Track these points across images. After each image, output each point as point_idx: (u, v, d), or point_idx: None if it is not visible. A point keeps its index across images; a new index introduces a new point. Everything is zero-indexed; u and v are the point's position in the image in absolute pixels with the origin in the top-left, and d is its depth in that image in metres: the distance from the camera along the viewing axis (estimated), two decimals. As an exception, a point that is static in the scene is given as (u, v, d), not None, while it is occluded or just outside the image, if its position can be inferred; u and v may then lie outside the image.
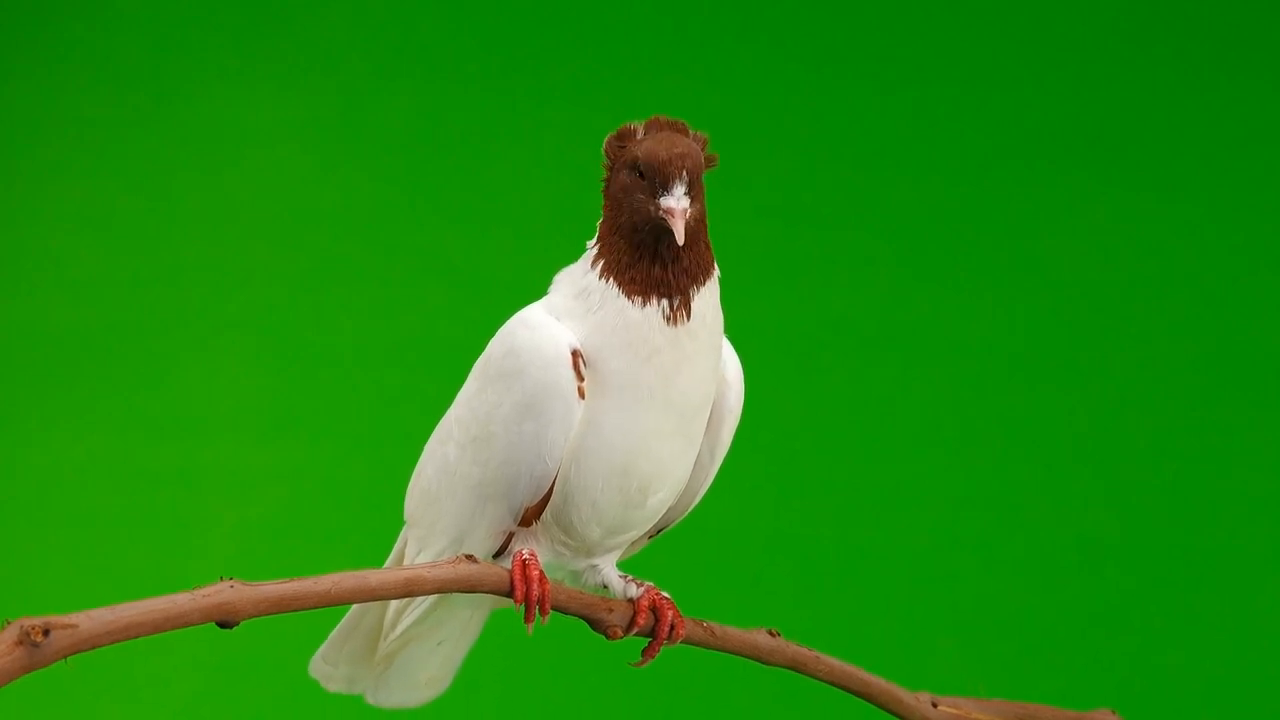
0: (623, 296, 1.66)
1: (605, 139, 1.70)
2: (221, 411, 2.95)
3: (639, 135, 1.69)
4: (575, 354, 1.66)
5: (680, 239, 1.63)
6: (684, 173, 1.64)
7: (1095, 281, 3.03)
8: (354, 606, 1.88)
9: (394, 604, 1.83)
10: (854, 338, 3.01)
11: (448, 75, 3.08)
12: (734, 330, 1.79)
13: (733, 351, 1.78)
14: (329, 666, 1.91)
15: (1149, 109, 3.07)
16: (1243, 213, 3.03)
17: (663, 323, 1.66)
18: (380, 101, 3.07)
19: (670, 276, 1.66)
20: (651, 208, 1.65)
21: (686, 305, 1.66)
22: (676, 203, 1.64)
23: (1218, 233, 3.03)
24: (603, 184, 1.70)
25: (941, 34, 3.10)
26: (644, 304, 1.66)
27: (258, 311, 3.00)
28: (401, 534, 1.85)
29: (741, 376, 1.77)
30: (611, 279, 1.67)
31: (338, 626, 1.89)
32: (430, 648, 1.89)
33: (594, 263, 1.68)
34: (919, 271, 3.03)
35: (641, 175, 1.65)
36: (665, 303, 1.66)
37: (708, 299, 1.68)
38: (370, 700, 1.93)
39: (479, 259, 3.00)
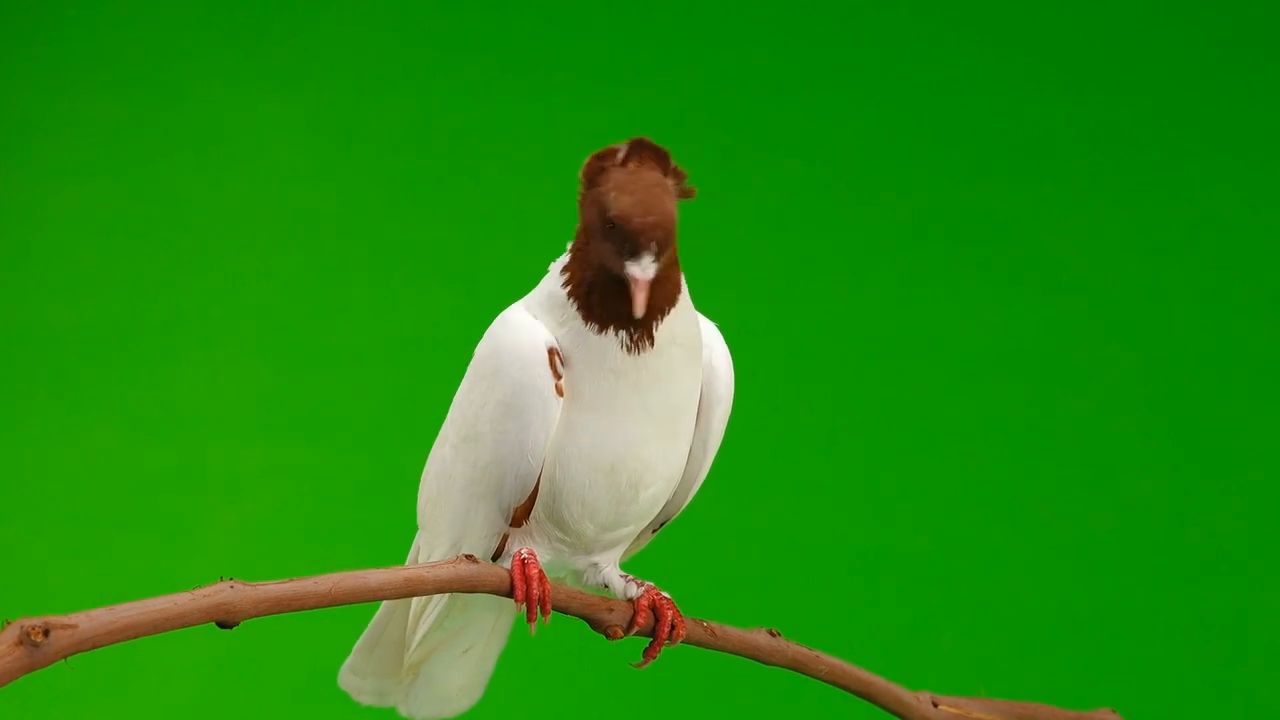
0: (580, 316, 1.65)
1: (586, 160, 1.66)
2: (221, 411, 2.95)
3: (619, 158, 1.64)
4: (552, 352, 1.66)
5: (639, 311, 1.60)
6: (653, 244, 1.60)
7: (1096, 281, 3.02)
8: (376, 615, 1.87)
9: (412, 612, 1.82)
10: (854, 338, 3.01)
11: (447, 76, 3.08)
12: (733, 330, 1.78)
13: (721, 339, 1.76)
14: (358, 679, 1.90)
15: (1149, 110, 3.07)
16: (1243, 213, 3.03)
17: (622, 351, 1.65)
18: (380, 102, 3.07)
19: (626, 312, 1.62)
20: (617, 265, 1.62)
21: (648, 335, 1.65)
22: (641, 273, 1.60)
23: (1218, 233, 3.03)
24: (578, 197, 1.67)
25: (942, 34, 3.09)
26: (601, 331, 1.64)
27: (258, 311, 3.00)
28: (415, 541, 1.85)
29: (730, 365, 1.76)
30: (574, 299, 1.65)
31: (362, 636, 1.88)
32: (456, 655, 1.87)
33: (563, 271, 1.67)
34: (919, 271, 3.03)
35: (613, 227, 1.62)
36: (624, 334, 1.64)
37: (673, 321, 1.66)
38: (403, 712, 1.91)
39: (479, 259, 3.00)
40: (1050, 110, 3.07)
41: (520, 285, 1.76)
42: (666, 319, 1.65)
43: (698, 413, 1.74)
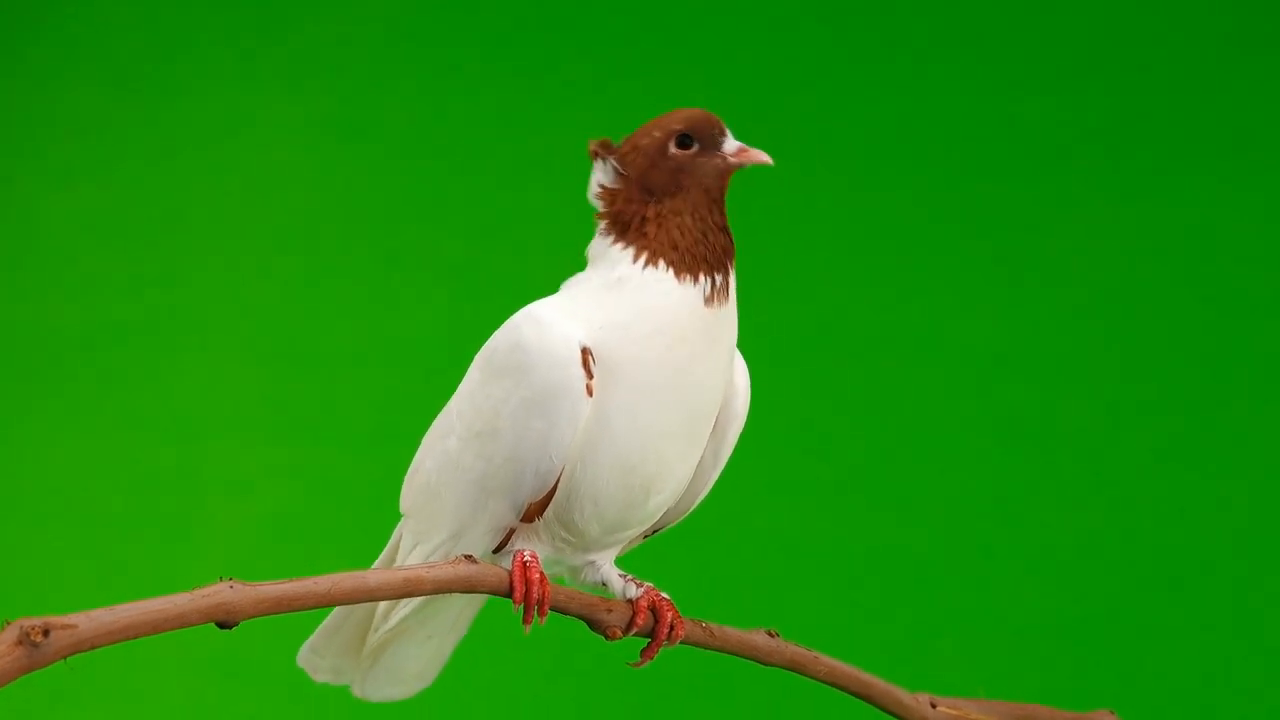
0: (670, 277, 1.69)
1: (609, 155, 1.74)
2: (221, 411, 2.95)
3: (638, 137, 1.73)
4: (585, 351, 1.67)
5: (770, 158, 1.72)
6: (722, 122, 1.74)
7: (1096, 281, 3.02)
8: None
9: (384, 601, 1.82)
10: (853, 339, 3.01)
11: (448, 75, 3.08)
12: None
13: (741, 359, 1.79)
14: (317, 657, 1.91)
15: (1150, 109, 3.07)
16: (1243, 213, 3.03)
17: (701, 304, 1.68)
18: (380, 101, 3.07)
19: (725, 243, 1.71)
20: (719, 160, 1.72)
21: (726, 284, 1.70)
22: (739, 141, 1.73)
23: (1218, 233, 3.03)
24: (631, 185, 1.72)
25: (944, 33, 3.09)
26: (694, 281, 1.68)
27: (258, 311, 3.00)
28: (397, 528, 1.85)
29: (749, 384, 1.79)
30: (661, 262, 1.69)
31: (328, 617, 1.89)
32: (420, 641, 1.89)
33: (635, 258, 1.70)
34: (918, 273, 3.03)
35: (688, 144, 1.72)
36: (709, 280, 1.69)
37: (733, 283, 1.72)
38: (357, 693, 1.93)
39: (479, 259, 3.00)
40: (1051, 110, 3.07)
41: (519, 285, 1.76)
42: (732, 272, 1.71)
43: (713, 427, 1.76)
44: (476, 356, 1.75)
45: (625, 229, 1.72)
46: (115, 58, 3.06)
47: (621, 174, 1.73)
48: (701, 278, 1.69)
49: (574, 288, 1.73)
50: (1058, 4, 3.10)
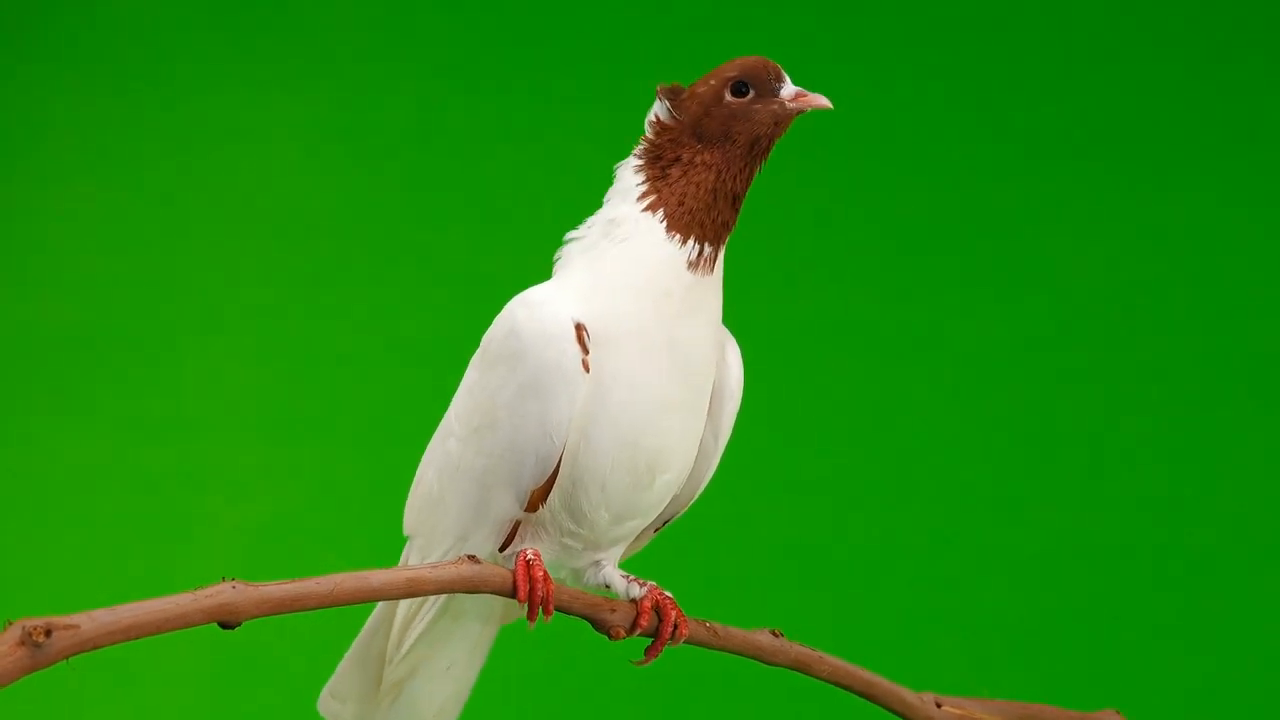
0: (661, 229, 1.69)
1: (672, 97, 1.74)
2: (223, 411, 2.95)
3: (697, 85, 1.74)
4: (579, 327, 1.66)
5: (829, 102, 1.71)
6: (781, 69, 1.74)
7: (1096, 282, 3.03)
8: (360, 634, 1.87)
9: (398, 623, 1.82)
10: (858, 338, 3.01)
11: (447, 75, 3.08)
12: (739, 328, 1.79)
13: (732, 338, 1.79)
14: (338, 703, 1.90)
15: (1149, 110, 3.07)
16: (1243, 213, 3.04)
17: (685, 266, 1.68)
18: (380, 101, 3.07)
19: (729, 219, 1.70)
20: (775, 106, 1.71)
21: (715, 256, 1.70)
22: (798, 87, 1.73)
23: (1218, 233, 3.03)
24: (684, 129, 1.72)
25: (944, 32, 3.10)
26: (682, 242, 1.68)
27: (258, 311, 3.00)
28: (404, 552, 1.84)
29: (741, 362, 1.79)
30: (660, 212, 1.70)
31: (345, 657, 1.88)
32: (439, 673, 1.88)
33: (642, 196, 1.71)
34: (921, 271, 3.03)
35: (744, 91, 1.71)
36: (698, 247, 1.69)
37: (721, 258, 1.71)
38: None
39: (479, 259, 3.00)
40: (1050, 111, 3.07)
41: (519, 285, 1.76)
42: (723, 251, 1.71)
43: (710, 405, 1.75)
44: (473, 356, 1.75)
45: (655, 160, 1.73)
46: (115, 58, 3.06)
47: (676, 118, 1.73)
48: (691, 242, 1.69)
49: (570, 248, 1.75)
50: (1059, 4, 3.10)
